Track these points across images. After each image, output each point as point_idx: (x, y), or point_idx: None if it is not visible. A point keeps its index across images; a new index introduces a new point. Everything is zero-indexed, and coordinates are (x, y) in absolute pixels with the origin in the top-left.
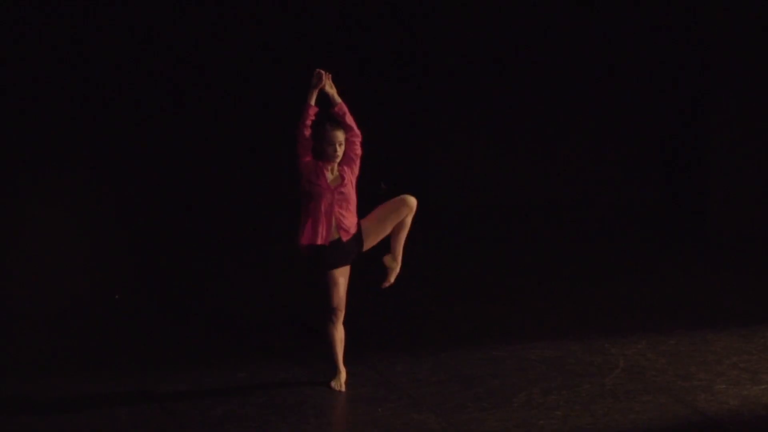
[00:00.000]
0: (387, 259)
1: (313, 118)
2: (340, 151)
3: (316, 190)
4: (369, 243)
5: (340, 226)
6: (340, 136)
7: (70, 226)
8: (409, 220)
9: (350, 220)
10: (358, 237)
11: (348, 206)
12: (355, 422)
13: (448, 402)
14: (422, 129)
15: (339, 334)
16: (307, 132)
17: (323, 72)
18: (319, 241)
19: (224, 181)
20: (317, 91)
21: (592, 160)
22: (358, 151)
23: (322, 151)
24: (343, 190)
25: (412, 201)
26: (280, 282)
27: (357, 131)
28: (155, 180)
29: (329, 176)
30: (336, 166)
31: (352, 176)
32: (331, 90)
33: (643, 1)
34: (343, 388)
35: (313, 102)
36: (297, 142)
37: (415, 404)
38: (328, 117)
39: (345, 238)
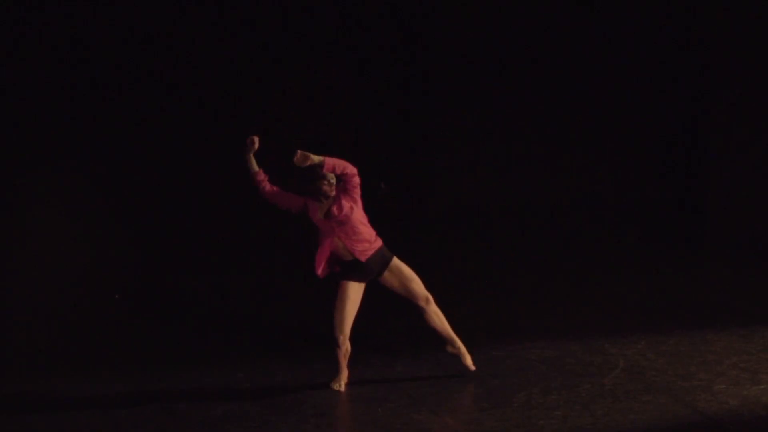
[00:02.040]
0: (449, 349)
1: (265, 179)
2: (334, 184)
3: (315, 225)
4: (388, 279)
5: (353, 250)
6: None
7: (70, 227)
8: (437, 311)
9: (363, 243)
10: (383, 255)
11: (355, 231)
12: (355, 422)
13: (448, 402)
14: (423, 130)
15: (343, 350)
16: (273, 189)
17: (256, 138)
18: (320, 273)
19: (224, 182)
20: (252, 155)
21: (592, 160)
22: (356, 182)
23: (317, 189)
24: (341, 218)
25: (430, 300)
26: (281, 282)
27: (350, 170)
28: (155, 180)
29: (321, 212)
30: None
31: (353, 203)
32: (308, 161)
33: (644, 1)
34: (343, 389)
35: (256, 168)
36: (276, 203)
37: (415, 404)
38: (311, 167)
39: (363, 259)
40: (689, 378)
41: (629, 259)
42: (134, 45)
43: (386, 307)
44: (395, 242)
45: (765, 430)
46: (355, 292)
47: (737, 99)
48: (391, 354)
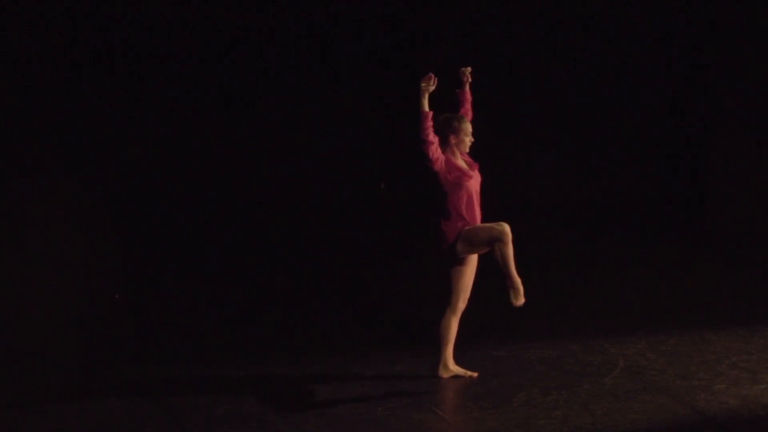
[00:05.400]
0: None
1: (432, 122)
2: None
3: (465, 178)
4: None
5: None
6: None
7: (70, 226)
8: (507, 250)
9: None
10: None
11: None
12: (355, 422)
13: (448, 402)
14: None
15: (454, 327)
16: (433, 136)
17: (433, 76)
18: (479, 221)
19: (222, 181)
20: (428, 95)
21: (592, 160)
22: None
23: (460, 141)
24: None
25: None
26: (280, 281)
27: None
28: (154, 179)
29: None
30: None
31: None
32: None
33: (645, 1)
34: (448, 373)
35: (428, 108)
36: (430, 146)
37: (415, 404)
38: (455, 110)
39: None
40: (689, 378)
41: (629, 259)
42: (133, 46)
43: (387, 306)
44: (395, 242)
45: (765, 430)
46: (471, 264)
47: (738, 99)
48: (391, 354)
